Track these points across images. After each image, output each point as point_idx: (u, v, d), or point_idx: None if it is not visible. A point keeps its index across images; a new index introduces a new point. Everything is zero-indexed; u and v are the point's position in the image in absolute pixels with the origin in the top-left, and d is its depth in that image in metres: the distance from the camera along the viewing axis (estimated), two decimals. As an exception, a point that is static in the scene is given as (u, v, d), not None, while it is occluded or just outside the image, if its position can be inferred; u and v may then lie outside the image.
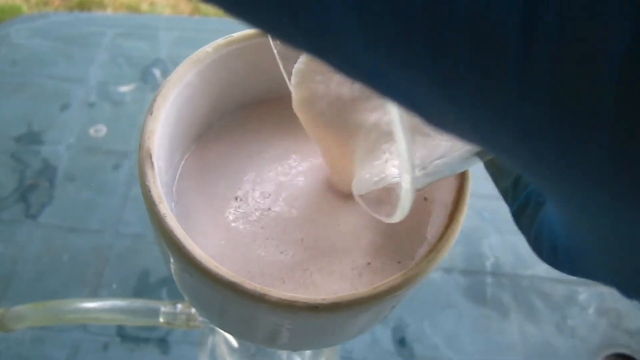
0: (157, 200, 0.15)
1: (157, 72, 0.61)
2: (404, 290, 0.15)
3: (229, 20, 0.10)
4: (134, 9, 0.93)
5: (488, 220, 0.56)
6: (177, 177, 0.19)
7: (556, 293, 0.52)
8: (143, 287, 0.48)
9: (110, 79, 0.60)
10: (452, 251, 0.54)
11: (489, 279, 0.52)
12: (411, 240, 0.18)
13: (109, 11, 0.95)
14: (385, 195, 0.15)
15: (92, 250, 0.49)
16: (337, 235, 0.18)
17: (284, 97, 0.20)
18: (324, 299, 0.14)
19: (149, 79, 0.60)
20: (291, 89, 0.16)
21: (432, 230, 0.18)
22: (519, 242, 0.55)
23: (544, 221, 0.14)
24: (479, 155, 0.14)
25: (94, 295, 0.47)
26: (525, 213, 0.15)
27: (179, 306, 0.29)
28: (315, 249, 0.17)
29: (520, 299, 0.52)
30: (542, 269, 0.54)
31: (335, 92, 0.15)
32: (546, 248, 0.14)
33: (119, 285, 0.48)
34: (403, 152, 0.11)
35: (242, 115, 0.21)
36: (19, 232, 0.49)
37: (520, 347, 0.49)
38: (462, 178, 0.17)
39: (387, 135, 0.15)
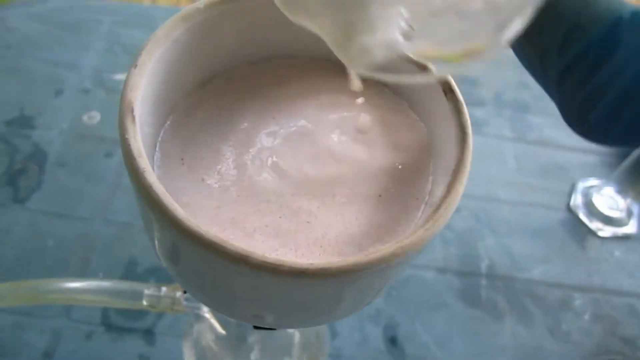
0: (136, 154, 0.15)
1: (153, 62, 0.60)
2: (398, 260, 0.14)
3: None
4: (135, -1, 0.93)
5: (484, 222, 0.55)
6: (160, 137, 0.18)
7: (551, 297, 0.52)
8: (130, 277, 0.47)
9: (105, 66, 0.59)
10: (446, 252, 0.53)
11: (483, 281, 0.51)
12: (407, 215, 0.17)
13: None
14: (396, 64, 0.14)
15: (79, 237, 0.48)
16: (320, 212, 0.17)
17: (276, 59, 0.19)
18: (311, 264, 0.13)
19: (145, 67, 0.60)
20: None
21: (429, 204, 0.17)
22: (515, 245, 0.54)
23: (618, 67, 0.13)
24: None
25: (79, 282, 0.46)
26: (577, 68, 0.14)
27: (164, 289, 0.28)
28: (291, 230, 0.16)
29: (514, 302, 0.51)
30: (538, 272, 0.53)
31: None
32: (606, 103, 0.13)
33: (106, 273, 0.47)
34: None
35: (232, 76, 0.20)
36: (4, 216, 0.48)
37: (512, 351, 0.48)
38: (462, 148, 0.16)
39: None
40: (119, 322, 0.45)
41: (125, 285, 0.28)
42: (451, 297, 0.50)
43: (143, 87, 0.16)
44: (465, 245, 0.53)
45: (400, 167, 0.18)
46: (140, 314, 0.45)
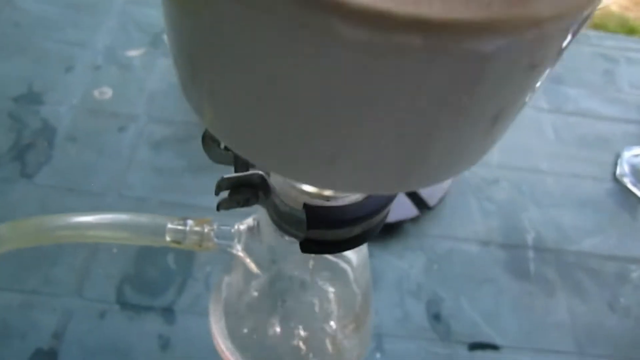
0: None
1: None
2: (556, 27, 0.10)
3: None
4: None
5: (526, 194, 0.51)
6: None
7: (606, 270, 0.47)
8: (146, 253, 0.43)
9: (118, 43, 0.56)
10: (488, 224, 0.49)
11: (530, 254, 0.47)
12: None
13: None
14: None
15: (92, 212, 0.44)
16: None
17: None
18: (438, 14, 0.09)
19: (159, 44, 0.57)
20: None
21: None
22: (562, 217, 0.50)
23: None
24: None
25: (92, 257, 0.42)
26: None
27: (190, 222, 0.24)
28: None
29: (567, 275, 0.46)
30: (589, 244, 0.48)
31: None
32: None
33: (120, 250, 0.43)
34: None
35: None
36: (12, 191, 0.45)
37: (569, 327, 0.43)
38: None
39: None
40: (136, 300, 0.41)
41: (145, 218, 0.24)
42: (497, 270, 0.46)
43: None
44: (508, 217, 0.49)
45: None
46: (159, 291, 0.41)
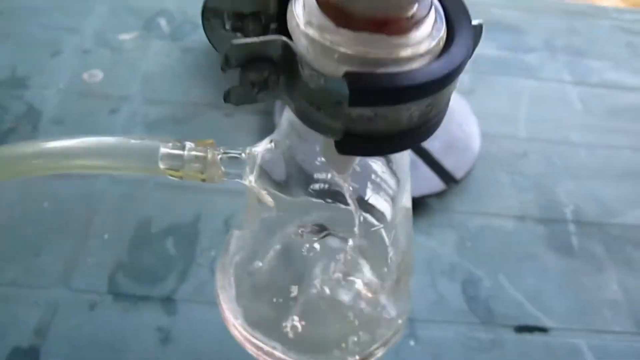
0: None
1: (162, 22, 0.54)
2: None
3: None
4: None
5: (559, 167, 0.46)
6: None
7: (657, 243, 0.42)
8: (142, 238, 0.38)
9: (109, 27, 0.52)
10: (521, 198, 0.44)
11: (572, 228, 0.42)
12: None
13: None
14: None
15: (80, 197, 0.40)
16: None
17: None
18: None
19: (153, 27, 0.53)
20: None
21: None
22: (601, 189, 0.45)
23: None
24: None
25: (80, 247, 0.37)
26: None
27: (189, 144, 0.19)
28: None
29: (614, 249, 0.41)
30: (634, 216, 0.43)
31: None
32: None
33: (112, 235, 0.38)
34: None
35: None
36: (-10, 178, 0.40)
37: (623, 305, 0.38)
38: None
39: None
40: (131, 290, 0.35)
41: (134, 141, 0.20)
42: (537, 246, 0.41)
43: None
44: (543, 191, 0.44)
45: None
46: (158, 279, 0.36)
